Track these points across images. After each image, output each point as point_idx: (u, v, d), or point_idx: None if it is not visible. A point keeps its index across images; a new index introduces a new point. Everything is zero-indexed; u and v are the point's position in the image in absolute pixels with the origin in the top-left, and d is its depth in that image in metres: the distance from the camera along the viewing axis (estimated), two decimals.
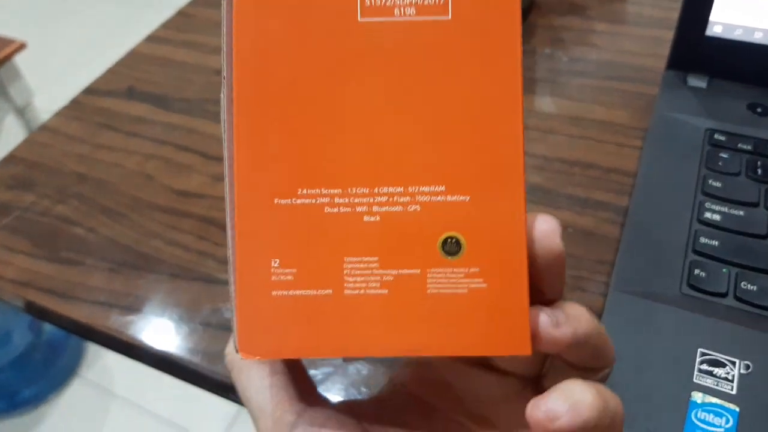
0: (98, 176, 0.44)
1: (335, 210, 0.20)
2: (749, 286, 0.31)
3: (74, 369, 1.11)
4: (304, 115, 0.20)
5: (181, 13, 0.61)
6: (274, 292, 0.20)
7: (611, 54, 0.51)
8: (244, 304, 0.20)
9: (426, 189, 0.20)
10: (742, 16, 0.40)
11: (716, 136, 0.38)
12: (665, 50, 0.44)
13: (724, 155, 0.37)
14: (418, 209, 0.20)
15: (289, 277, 0.20)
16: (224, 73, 0.20)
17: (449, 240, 0.20)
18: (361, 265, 0.20)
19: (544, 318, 0.19)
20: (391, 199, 0.20)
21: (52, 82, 1.64)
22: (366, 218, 0.20)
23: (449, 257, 0.20)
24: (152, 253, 0.39)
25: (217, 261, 0.38)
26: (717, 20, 0.40)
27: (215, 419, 1.09)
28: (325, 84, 0.20)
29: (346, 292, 0.20)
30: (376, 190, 0.20)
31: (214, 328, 0.35)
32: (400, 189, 0.20)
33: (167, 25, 0.59)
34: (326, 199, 0.20)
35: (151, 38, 0.58)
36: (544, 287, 0.20)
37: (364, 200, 0.20)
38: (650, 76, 0.47)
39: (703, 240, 0.33)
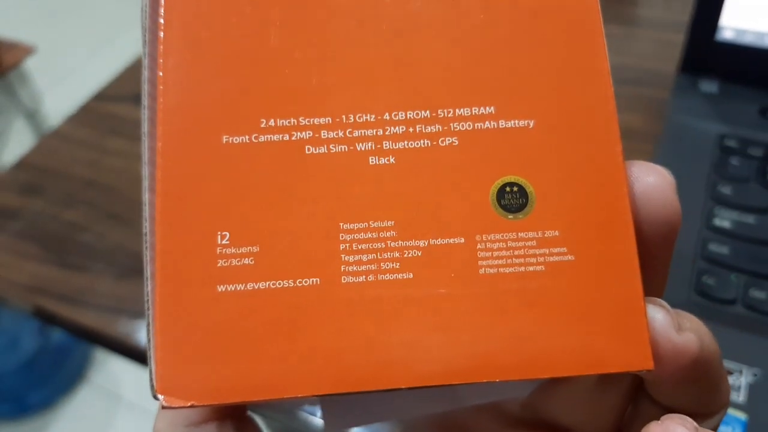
0: (107, 182, 0.45)
1: (322, 149, 0.13)
2: (758, 293, 0.31)
3: (82, 374, 1.11)
4: None
5: None
6: (220, 287, 0.12)
7: (621, 57, 0.50)
8: (167, 309, 0.13)
9: (466, 112, 0.13)
10: (753, 22, 0.39)
11: (726, 141, 0.38)
12: (676, 53, 0.43)
13: (734, 161, 0.37)
14: (456, 143, 0.13)
15: (247, 260, 0.12)
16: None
17: (509, 188, 0.13)
18: (368, 235, 0.12)
19: (662, 315, 0.12)
20: (411, 130, 0.13)
21: (61, 83, 1.65)
22: (373, 160, 0.13)
23: (510, 215, 0.13)
24: None
25: None
26: (727, 25, 0.40)
27: None
28: None
29: (345, 279, 0.12)
30: (387, 116, 0.13)
31: None
32: (425, 113, 0.13)
33: None
34: (307, 134, 0.13)
35: None
36: (644, 271, 0.13)
37: (369, 132, 0.13)
38: (661, 79, 0.47)
39: (712, 247, 0.33)
